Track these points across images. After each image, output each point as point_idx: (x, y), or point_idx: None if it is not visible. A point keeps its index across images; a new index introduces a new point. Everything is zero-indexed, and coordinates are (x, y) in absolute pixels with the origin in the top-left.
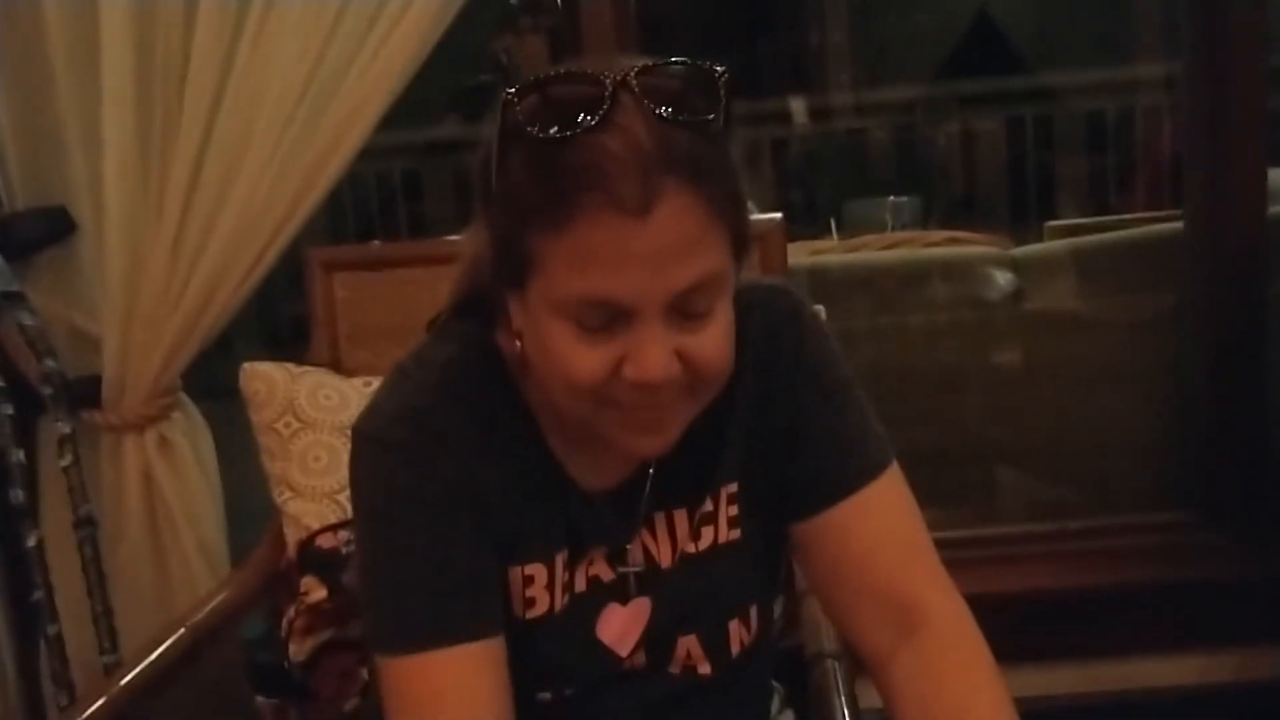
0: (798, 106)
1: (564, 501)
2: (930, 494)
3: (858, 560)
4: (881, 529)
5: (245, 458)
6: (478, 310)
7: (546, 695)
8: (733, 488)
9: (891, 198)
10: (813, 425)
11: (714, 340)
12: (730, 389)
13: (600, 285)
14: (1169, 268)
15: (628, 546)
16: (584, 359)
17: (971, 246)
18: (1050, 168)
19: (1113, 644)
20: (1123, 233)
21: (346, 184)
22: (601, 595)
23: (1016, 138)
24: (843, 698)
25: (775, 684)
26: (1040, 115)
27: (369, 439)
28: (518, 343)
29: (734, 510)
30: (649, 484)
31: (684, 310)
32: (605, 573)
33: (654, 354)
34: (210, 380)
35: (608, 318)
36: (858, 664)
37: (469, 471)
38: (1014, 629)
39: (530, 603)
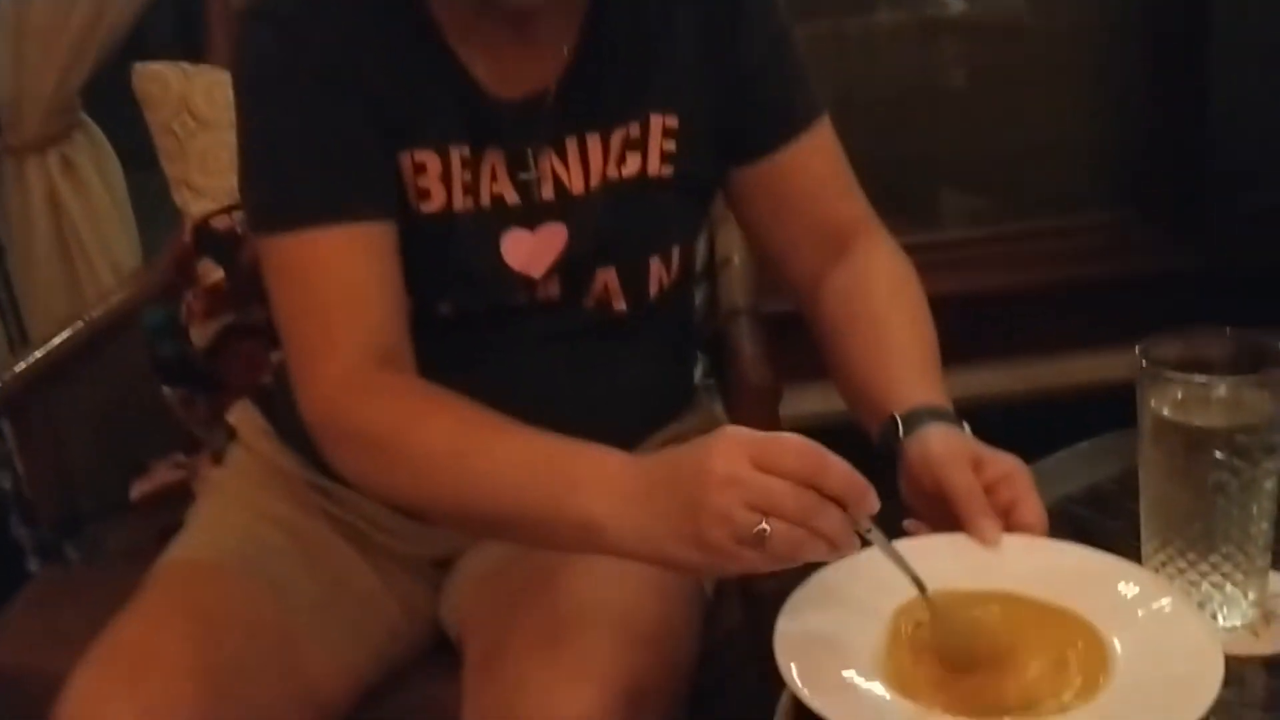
0: None
1: (462, 98)
2: (873, 203)
3: (798, 200)
4: (822, 169)
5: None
6: None
7: (447, 307)
8: (671, 120)
9: None
10: (761, 68)
11: None
12: (665, 18)
13: None
14: None
15: (532, 159)
16: None
17: None
18: None
19: (1048, 342)
20: None
21: None
22: (507, 215)
23: None
24: (754, 345)
25: (699, 354)
26: None
27: (251, 14)
28: None
29: (670, 145)
30: (553, 95)
31: None
32: (509, 193)
33: None
34: (108, 92)
35: None
36: (789, 294)
37: (353, 52)
38: (952, 331)
39: (424, 194)
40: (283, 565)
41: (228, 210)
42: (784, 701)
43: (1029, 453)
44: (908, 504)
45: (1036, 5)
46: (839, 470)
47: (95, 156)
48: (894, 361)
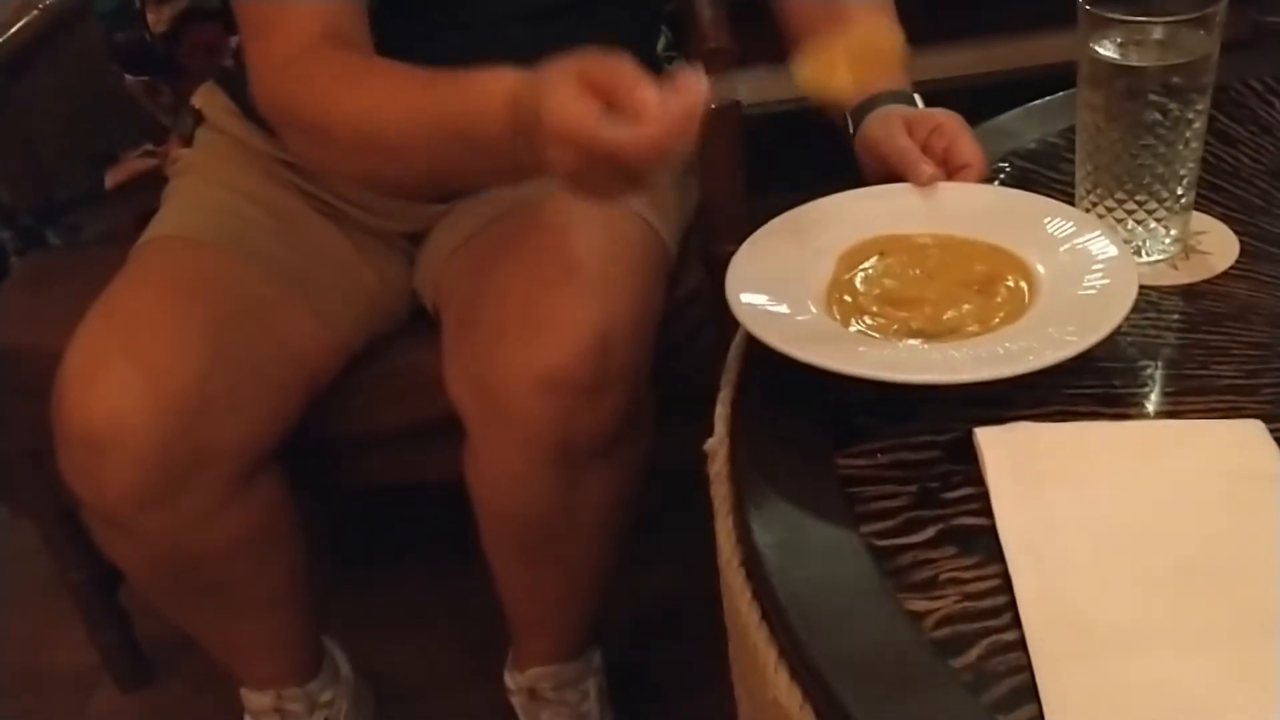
0: None
1: None
2: None
3: None
4: None
5: None
6: None
7: None
8: None
9: None
10: None
11: None
12: None
13: None
14: None
15: None
16: None
17: None
18: None
19: (1015, 22)
20: None
21: None
22: None
23: None
24: (712, 9)
25: (664, 28)
26: None
27: None
28: None
29: None
30: None
31: None
32: None
33: None
34: None
35: None
36: None
37: None
38: (927, 12)
39: None
40: (261, 238)
41: None
42: (737, 339)
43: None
44: None
45: None
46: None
47: None
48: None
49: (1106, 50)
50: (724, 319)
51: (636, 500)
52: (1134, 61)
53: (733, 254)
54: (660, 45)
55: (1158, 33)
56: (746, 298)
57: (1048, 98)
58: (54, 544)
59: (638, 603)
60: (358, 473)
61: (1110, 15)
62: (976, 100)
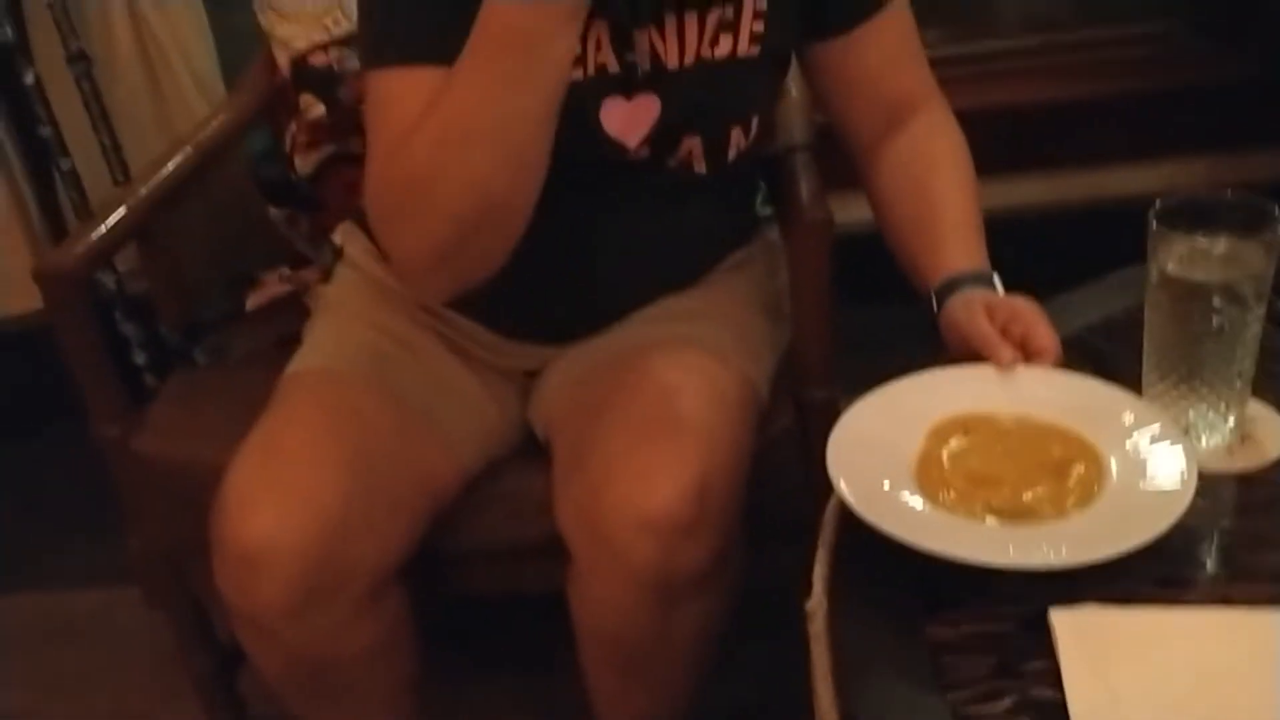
0: None
1: None
2: (925, 10)
3: (867, 74)
4: (890, 46)
5: None
6: None
7: (550, 169)
8: (761, 3)
9: None
10: None
11: None
12: None
13: None
14: None
15: (636, 35)
16: None
17: None
18: None
19: (1097, 153)
20: None
21: None
22: (607, 84)
23: None
24: (809, 181)
25: (760, 182)
26: None
27: None
28: None
29: (759, 27)
30: None
31: None
32: (611, 62)
33: None
34: None
35: None
36: (840, 162)
37: None
38: (1001, 142)
39: None
40: (397, 373)
41: (324, 48)
42: (832, 504)
43: (1075, 260)
44: None
45: None
46: None
47: None
48: (936, 231)
49: (1172, 264)
50: (813, 460)
51: (725, 624)
52: (1197, 276)
53: (822, 400)
54: (758, 200)
55: (1219, 248)
56: (845, 476)
57: (1115, 274)
58: (182, 632)
59: (719, 710)
60: (463, 583)
61: (1175, 234)
62: (1058, 227)
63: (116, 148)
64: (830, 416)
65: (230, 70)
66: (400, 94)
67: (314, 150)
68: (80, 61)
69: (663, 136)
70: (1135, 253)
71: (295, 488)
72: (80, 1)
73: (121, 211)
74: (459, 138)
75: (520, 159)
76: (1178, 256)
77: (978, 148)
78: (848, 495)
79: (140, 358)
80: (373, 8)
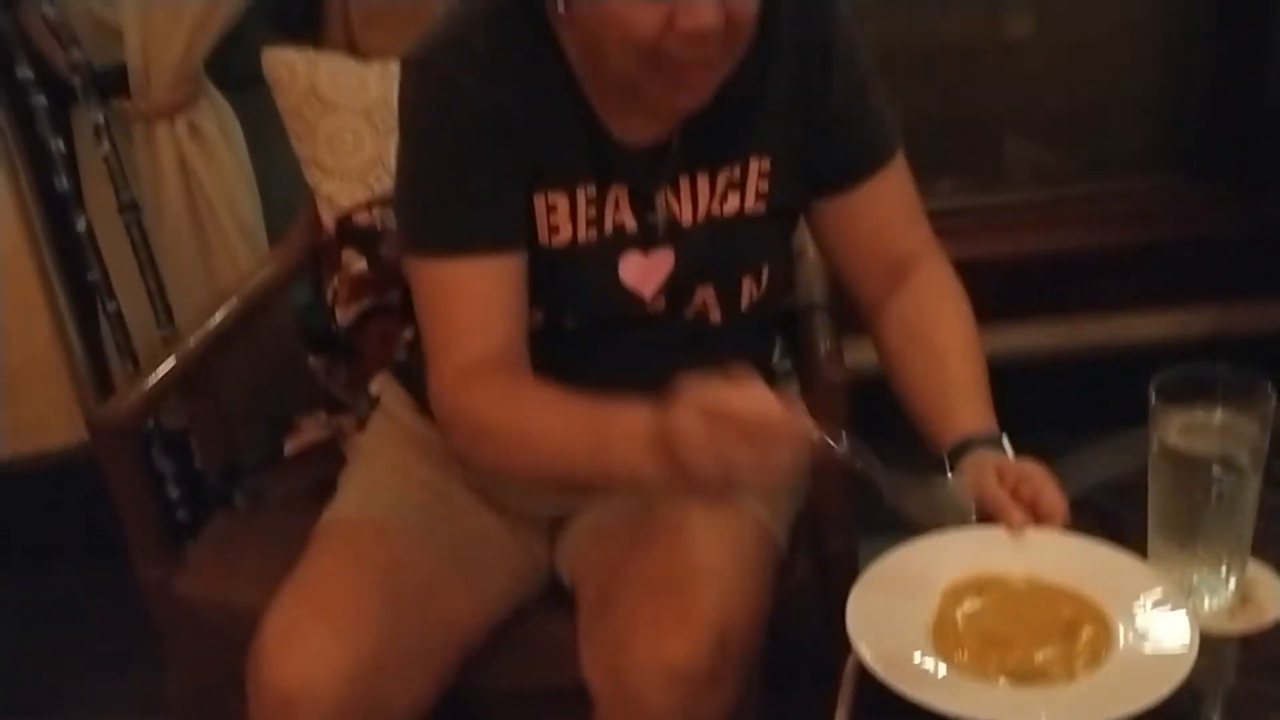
0: None
1: (594, 144)
2: (939, 162)
3: (868, 231)
4: (890, 204)
5: (269, 143)
6: None
7: (570, 320)
8: (765, 164)
9: None
10: (845, 113)
11: None
12: (764, 67)
13: None
14: None
15: (654, 198)
16: (640, 14)
17: None
18: None
19: (1098, 302)
20: None
21: None
22: (625, 241)
23: None
24: (828, 341)
25: (777, 335)
26: None
27: (415, 64)
28: (561, 7)
29: (764, 185)
30: (676, 144)
31: None
32: (630, 221)
33: (704, 3)
34: (224, 71)
35: None
36: (850, 316)
37: (503, 101)
38: (1011, 290)
39: (555, 230)
40: (429, 520)
41: (368, 206)
42: (851, 662)
43: (1086, 405)
44: None
45: None
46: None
47: (220, 121)
48: (946, 392)
49: (1172, 435)
50: (833, 610)
51: None
52: (1197, 448)
53: (841, 551)
54: (775, 354)
55: (1216, 420)
56: (864, 639)
57: (1123, 434)
58: None
59: None
60: None
61: (1174, 409)
62: (1065, 374)
63: (161, 291)
64: (850, 566)
65: (272, 218)
66: (450, 287)
67: (354, 303)
68: (130, 210)
69: (677, 287)
70: (1144, 399)
71: (331, 633)
72: (134, 153)
73: (171, 362)
74: (530, 454)
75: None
76: (1177, 428)
77: (988, 294)
78: (868, 658)
79: (174, 492)
80: (410, 196)
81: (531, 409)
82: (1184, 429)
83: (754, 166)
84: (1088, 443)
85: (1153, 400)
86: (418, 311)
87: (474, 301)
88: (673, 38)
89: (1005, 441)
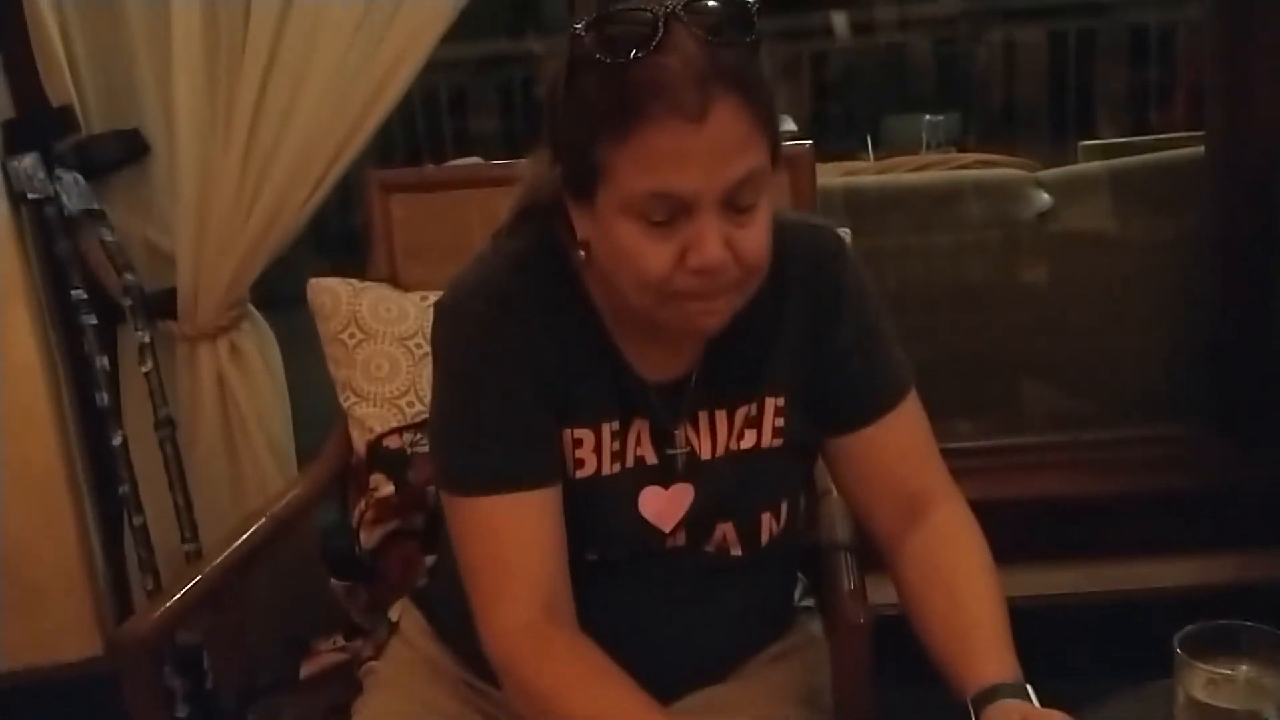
0: (840, 21)
1: (617, 381)
2: (957, 404)
3: (882, 468)
4: (903, 442)
5: (305, 363)
6: (535, 226)
7: (595, 556)
8: (779, 401)
9: (928, 116)
10: (855, 354)
11: (758, 232)
12: (778, 308)
13: (665, 181)
14: (1194, 189)
15: (674, 432)
16: (652, 252)
17: (999, 169)
18: (1090, 83)
19: (1117, 547)
20: (1149, 155)
21: None
22: (645, 476)
23: (1059, 52)
24: (851, 581)
25: (800, 575)
26: (1083, 29)
27: (448, 310)
28: (582, 253)
29: (780, 422)
30: (695, 381)
31: (734, 204)
32: (650, 455)
33: (712, 240)
34: (267, 291)
35: (671, 211)
36: (870, 553)
37: (533, 342)
38: (1028, 531)
39: (580, 463)
40: None
41: (399, 431)
42: None
43: (1108, 648)
44: None
45: (1117, 216)
46: None
47: (260, 344)
48: (968, 638)
49: (1197, 690)
50: None
51: None
52: (1222, 703)
53: None
54: (798, 592)
55: (1241, 676)
56: None
57: (1146, 686)
58: None
59: None
60: None
61: (1199, 664)
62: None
63: (188, 507)
64: None
65: (300, 431)
66: (495, 525)
67: (379, 526)
68: (166, 426)
69: (697, 522)
70: (1165, 644)
71: None
72: (175, 370)
73: (195, 580)
74: None
75: None
76: (1202, 682)
77: (1009, 536)
78: None
79: (183, 711)
80: (451, 437)
81: (601, 699)
82: (1208, 683)
83: (769, 404)
84: (1111, 693)
85: (1177, 654)
86: (461, 550)
87: (521, 539)
88: (683, 274)
89: (1030, 692)
